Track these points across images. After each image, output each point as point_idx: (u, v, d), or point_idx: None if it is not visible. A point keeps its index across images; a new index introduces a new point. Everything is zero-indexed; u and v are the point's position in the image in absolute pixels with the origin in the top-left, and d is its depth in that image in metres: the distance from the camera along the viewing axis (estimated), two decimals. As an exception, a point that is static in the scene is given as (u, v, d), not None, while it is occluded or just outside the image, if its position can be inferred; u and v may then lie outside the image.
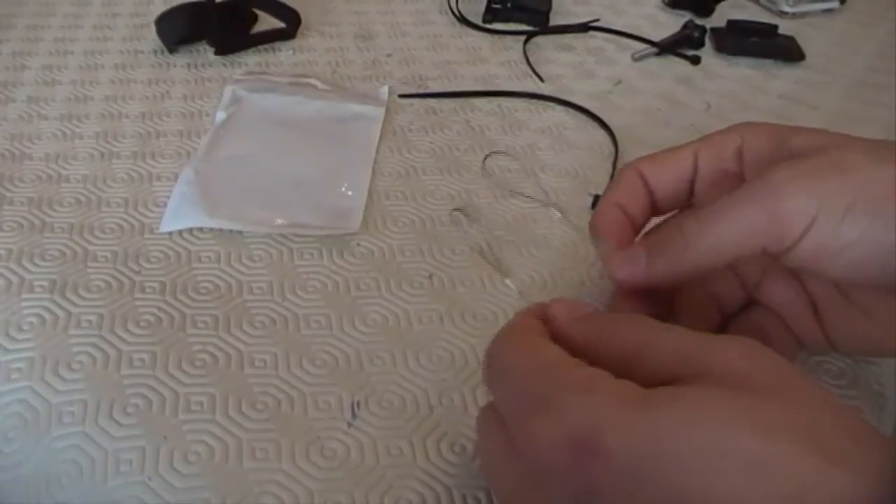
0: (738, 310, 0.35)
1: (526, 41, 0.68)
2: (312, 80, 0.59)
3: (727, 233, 0.28)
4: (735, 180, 0.31)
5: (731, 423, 0.21)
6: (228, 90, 0.57)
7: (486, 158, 0.45)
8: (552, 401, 0.23)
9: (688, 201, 0.34)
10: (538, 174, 0.51)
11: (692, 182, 0.33)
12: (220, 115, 0.54)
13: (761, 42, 0.69)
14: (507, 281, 0.30)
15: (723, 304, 0.35)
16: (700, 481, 0.20)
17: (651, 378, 0.24)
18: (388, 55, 0.66)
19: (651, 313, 0.31)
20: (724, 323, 0.35)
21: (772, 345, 0.33)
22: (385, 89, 0.59)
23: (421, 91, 0.60)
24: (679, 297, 0.34)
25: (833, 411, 0.22)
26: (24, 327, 0.38)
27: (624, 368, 0.25)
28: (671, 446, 0.21)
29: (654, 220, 0.35)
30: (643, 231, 0.35)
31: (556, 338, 0.28)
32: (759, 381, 0.22)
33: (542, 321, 0.29)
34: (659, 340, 0.25)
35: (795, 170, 0.27)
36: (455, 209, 0.46)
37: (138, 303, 0.39)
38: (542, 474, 0.23)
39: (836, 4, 0.80)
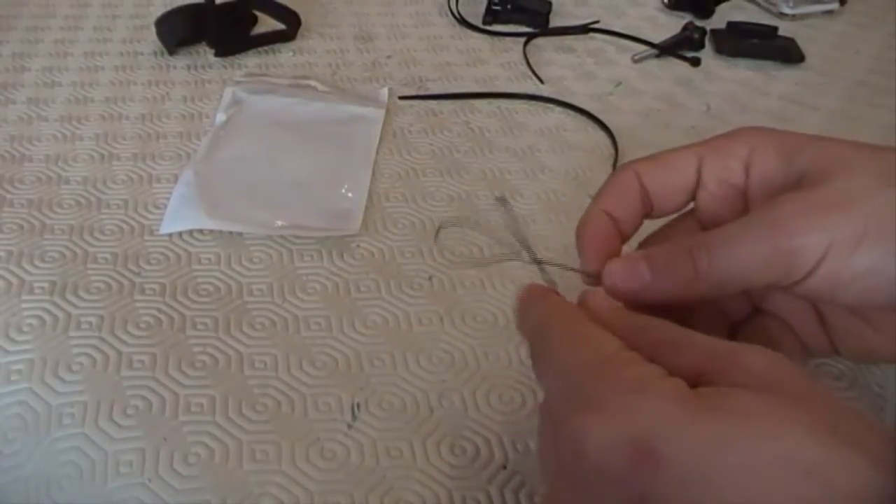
0: (744, 318, 0.35)
1: (526, 43, 0.68)
2: (312, 82, 0.59)
3: (737, 268, 0.27)
4: (740, 196, 0.31)
5: (788, 430, 0.21)
6: (228, 92, 0.57)
7: (438, 232, 0.44)
8: (606, 400, 0.23)
9: (684, 208, 0.33)
10: (538, 175, 0.51)
11: (694, 190, 0.32)
12: (220, 117, 0.54)
13: (761, 44, 0.69)
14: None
15: (728, 314, 0.35)
16: (758, 489, 0.20)
17: (683, 371, 0.24)
18: (388, 57, 0.66)
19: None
20: (729, 332, 0.35)
21: (782, 351, 0.33)
22: (385, 91, 0.59)
23: (421, 93, 0.60)
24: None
25: (856, 414, 0.22)
26: (24, 329, 0.38)
27: (655, 360, 0.24)
28: (729, 455, 0.20)
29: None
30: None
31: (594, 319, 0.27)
32: (792, 385, 0.22)
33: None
34: (691, 337, 0.25)
35: (805, 204, 0.27)
36: (498, 197, 0.46)
37: (138, 304, 0.39)
38: (591, 476, 0.22)
39: (835, 6, 0.80)
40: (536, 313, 0.28)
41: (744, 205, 0.31)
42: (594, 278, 0.31)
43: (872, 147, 0.28)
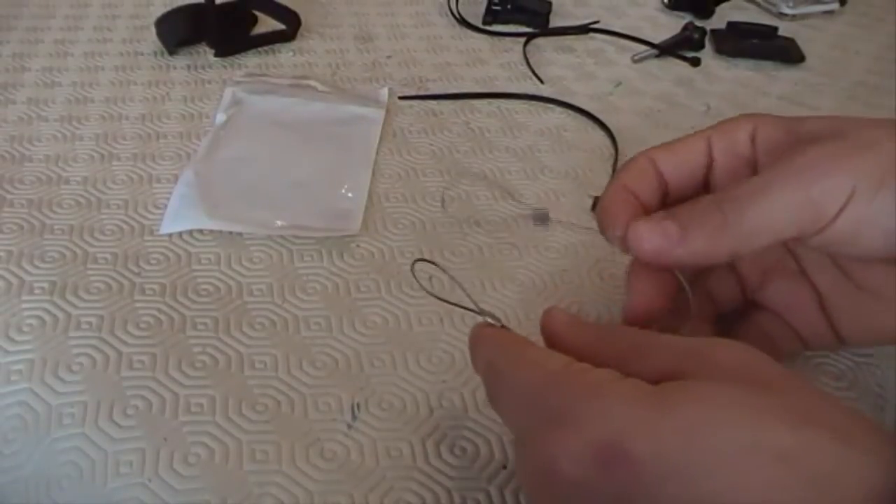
0: (733, 313, 0.35)
1: (526, 43, 0.68)
2: (312, 82, 0.59)
3: (768, 215, 0.27)
4: (751, 166, 0.31)
5: (758, 417, 0.21)
6: (228, 92, 0.57)
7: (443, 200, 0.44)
8: (567, 414, 0.23)
9: (700, 192, 0.33)
10: (538, 176, 0.51)
11: (706, 171, 0.32)
12: (220, 117, 0.54)
13: (761, 44, 0.69)
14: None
15: (718, 304, 0.35)
16: (732, 477, 0.20)
17: (650, 375, 0.24)
18: (388, 57, 0.66)
19: (659, 305, 0.31)
20: (721, 327, 0.35)
21: (777, 347, 0.33)
22: (385, 91, 0.59)
23: (421, 93, 0.60)
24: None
25: (834, 402, 0.22)
26: (24, 329, 0.38)
27: (622, 367, 0.24)
28: (700, 445, 0.20)
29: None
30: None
31: (553, 345, 0.28)
32: (764, 376, 0.22)
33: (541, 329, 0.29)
34: (656, 340, 0.25)
35: (826, 149, 0.27)
36: (536, 212, 0.47)
37: (138, 304, 0.39)
38: (570, 491, 0.22)
39: (835, 6, 0.80)
40: (485, 351, 0.28)
41: (755, 174, 0.31)
42: (620, 242, 0.31)
43: (870, 118, 0.29)
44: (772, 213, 0.27)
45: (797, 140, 0.29)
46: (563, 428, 0.23)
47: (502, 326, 0.29)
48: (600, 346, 0.26)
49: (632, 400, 0.22)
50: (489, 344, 0.28)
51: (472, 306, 0.30)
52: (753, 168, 0.31)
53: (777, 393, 0.22)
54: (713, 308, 0.35)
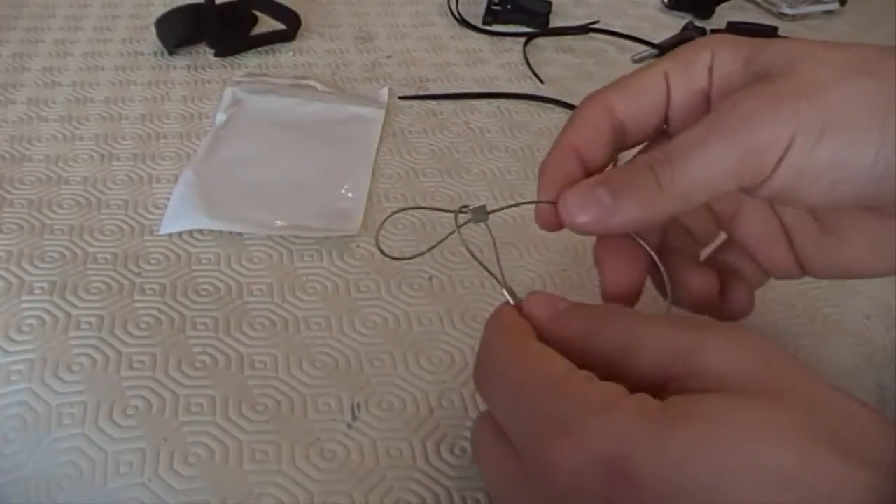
0: (715, 245, 0.34)
1: (526, 43, 0.68)
2: (312, 82, 0.59)
3: (703, 174, 0.25)
4: (707, 103, 0.29)
5: (762, 437, 0.20)
6: (228, 92, 0.57)
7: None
8: (573, 423, 0.22)
9: (659, 131, 0.31)
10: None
11: (665, 109, 0.30)
12: (220, 117, 0.54)
13: (761, 44, 0.69)
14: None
15: (698, 239, 0.33)
16: (734, 497, 0.20)
17: (643, 376, 0.24)
18: (388, 57, 0.66)
19: (633, 278, 0.30)
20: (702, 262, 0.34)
21: (741, 279, 0.32)
22: (385, 91, 0.59)
23: (421, 93, 0.60)
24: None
25: (838, 404, 0.22)
26: (24, 329, 0.38)
27: (614, 367, 0.24)
28: (703, 466, 0.20)
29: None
30: None
31: (539, 338, 0.27)
32: (756, 380, 0.22)
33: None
34: (646, 336, 0.24)
35: (764, 95, 0.25)
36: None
37: (138, 304, 0.39)
38: (568, 499, 0.22)
39: (835, 6, 0.80)
40: (488, 329, 0.28)
41: (707, 109, 0.29)
42: (551, 218, 0.29)
43: (838, 43, 0.27)
44: (706, 170, 0.25)
45: (752, 74, 0.27)
46: (571, 437, 0.22)
47: (516, 306, 0.28)
48: (587, 345, 0.26)
49: (639, 418, 0.22)
50: (493, 324, 0.28)
51: (497, 276, 0.29)
52: (709, 105, 0.29)
53: (780, 402, 0.21)
54: (694, 245, 0.33)
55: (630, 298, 0.30)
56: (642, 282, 0.30)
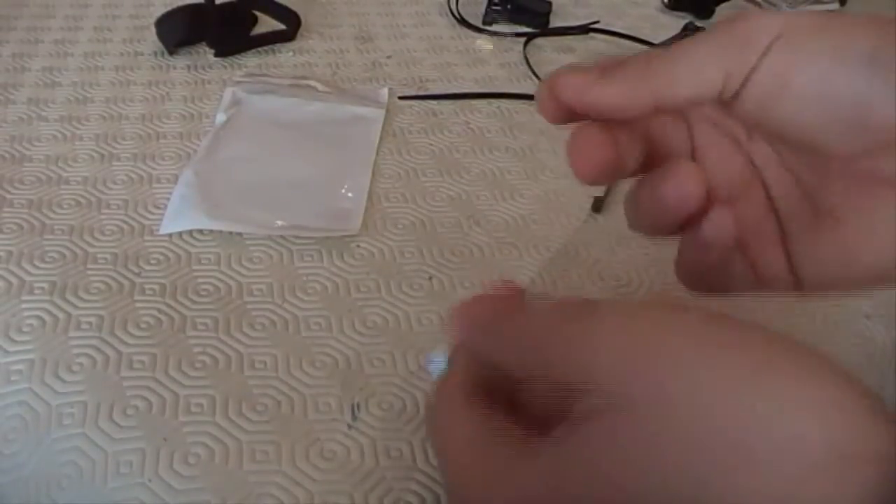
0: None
1: (526, 43, 0.68)
2: (312, 82, 0.59)
3: (691, 59, 0.25)
4: None
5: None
6: (228, 92, 0.57)
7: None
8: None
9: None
10: (538, 176, 0.51)
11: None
12: (221, 117, 0.54)
13: (761, 44, 0.69)
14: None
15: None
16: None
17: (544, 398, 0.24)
18: (388, 57, 0.66)
19: (611, 155, 0.27)
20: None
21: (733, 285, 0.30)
22: (385, 91, 0.59)
23: (421, 93, 0.60)
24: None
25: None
26: (24, 329, 0.38)
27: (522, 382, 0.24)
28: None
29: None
30: None
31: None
32: (640, 395, 0.20)
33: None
34: (535, 365, 0.24)
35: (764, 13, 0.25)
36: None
37: (138, 305, 0.39)
38: None
39: (835, 6, 0.80)
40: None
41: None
42: (548, 101, 0.28)
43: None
44: (696, 56, 0.25)
45: None
46: None
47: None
48: (499, 360, 0.25)
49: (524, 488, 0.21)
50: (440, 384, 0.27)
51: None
52: None
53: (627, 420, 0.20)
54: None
55: (599, 177, 0.28)
56: (614, 163, 0.28)
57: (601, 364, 0.21)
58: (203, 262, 0.42)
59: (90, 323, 0.38)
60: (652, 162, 0.29)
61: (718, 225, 0.28)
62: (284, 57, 0.64)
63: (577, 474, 0.20)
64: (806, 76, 0.24)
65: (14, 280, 0.40)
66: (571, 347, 0.22)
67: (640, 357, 0.21)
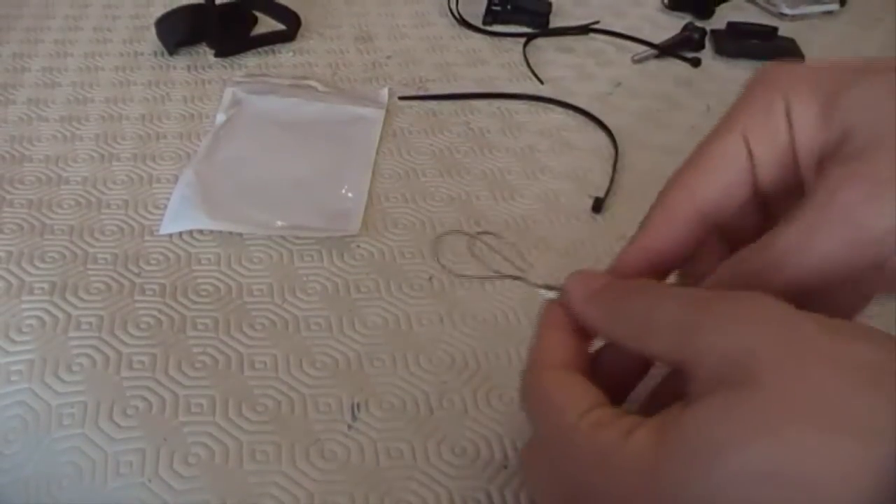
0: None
1: (526, 43, 0.68)
2: (312, 82, 0.59)
3: (815, 275, 0.24)
4: (791, 155, 0.26)
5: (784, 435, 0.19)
6: (228, 92, 0.57)
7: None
8: (579, 486, 0.22)
9: (749, 203, 0.28)
10: (538, 176, 0.51)
11: (752, 179, 0.27)
12: (221, 117, 0.54)
13: (761, 44, 0.69)
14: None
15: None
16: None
17: (659, 357, 0.23)
18: (388, 57, 0.66)
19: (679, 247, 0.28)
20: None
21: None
22: (385, 91, 0.59)
23: (421, 93, 0.60)
24: None
25: (866, 374, 0.19)
26: (24, 329, 0.38)
27: (637, 347, 0.24)
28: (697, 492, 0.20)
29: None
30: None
31: (574, 319, 0.26)
32: (771, 364, 0.20)
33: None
34: (656, 318, 0.23)
35: (864, 183, 0.23)
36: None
37: (138, 305, 0.39)
38: None
39: (835, 6, 0.80)
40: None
41: (795, 164, 0.26)
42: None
43: None
44: (819, 269, 0.24)
45: (835, 135, 0.24)
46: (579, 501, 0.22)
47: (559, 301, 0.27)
48: (611, 327, 0.25)
49: (632, 473, 0.21)
50: (533, 348, 0.26)
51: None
52: (794, 157, 0.26)
53: (766, 396, 0.20)
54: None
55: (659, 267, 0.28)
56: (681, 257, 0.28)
57: (734, 342, 0.21)
58: (203, 262, 0.42)
59: (90, 323, 0.38)
60: None
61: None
62: (284, 57, 0.64)
63: (687, 451, 0.20)
64: None
65: (14, 280, 0.40)
66: (707, 325, 0.21)
67: (778, 336, 0.20)
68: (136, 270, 0.42)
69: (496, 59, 0.66)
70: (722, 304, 0.22)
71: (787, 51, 0.69)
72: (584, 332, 0.26)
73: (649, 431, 0.21)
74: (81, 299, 0.40)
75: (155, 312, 0.39)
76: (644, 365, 0.28)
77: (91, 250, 0.43)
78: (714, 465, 0.19)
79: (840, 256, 0.23)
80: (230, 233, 0.44)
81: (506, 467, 0.33)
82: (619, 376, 0.28)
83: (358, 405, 0.35)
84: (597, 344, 0.27)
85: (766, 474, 0.19)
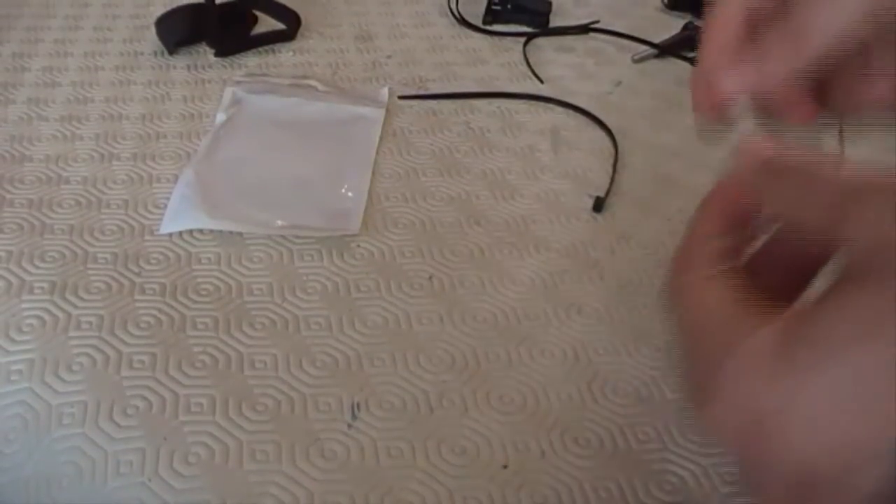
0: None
1: (526, 43, 0.68)
2: (312, 82, 0.59)
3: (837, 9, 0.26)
4: None
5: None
6: (228, 92, 0.57)
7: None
8: (711, 381, 0.22)
9: None
10: (538, 176, 0.51)
11: None
12: (221, 117, 0.54)
13: (761, 44, 0.69)
14: None
15: None
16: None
17: (814, 234, 0.22)
18: (388, 57, 0.66)
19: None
20: None
21: None
22: (385, 91, 0.59)
23: (421, 93, 0.60)
24: None
25: None
26: (25, 329, 0.38)
27: (795, 218, 0.23)
28: (816, 391, 0.19)
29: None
30: None
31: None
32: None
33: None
34: (818, 187, 0.23)
35: None
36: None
37: (138, 304, 0.39)
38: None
39: None
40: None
41: None
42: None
43: None
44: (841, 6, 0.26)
45: None
46: (713, 404, 0.22)
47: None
48: (776, 196, 0.24)
49: (759, 368, 0.21)
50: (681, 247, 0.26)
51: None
52: None
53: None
54: None
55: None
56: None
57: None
58: (203, 261, 0.42)
59: (90, 323, 0.38)
60: None
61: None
62: (284, 57, 0.64)
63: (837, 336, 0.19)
64: None
65: (14, 280, 0.40)
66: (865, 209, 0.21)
67: None
68: (136, 270, 0.42)
69: (496, 59, 0.66)
70: (878, 195, 0.21)
71: (787, 50, 0.69)
72: (742, 219, 0.26)
73: (770, 335, 0.21)
74: (81, 299, 0.40)
75: (155, 312, 0.39)
76: (799, 276, 0.28)
77: (91, 250, 0.43)
78: (841, 357, 0.19)
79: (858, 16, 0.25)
80: (230, 232, 0.44)
81: (506, 467, 0.33)
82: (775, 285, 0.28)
83: (358, 404, 0.35)
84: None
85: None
